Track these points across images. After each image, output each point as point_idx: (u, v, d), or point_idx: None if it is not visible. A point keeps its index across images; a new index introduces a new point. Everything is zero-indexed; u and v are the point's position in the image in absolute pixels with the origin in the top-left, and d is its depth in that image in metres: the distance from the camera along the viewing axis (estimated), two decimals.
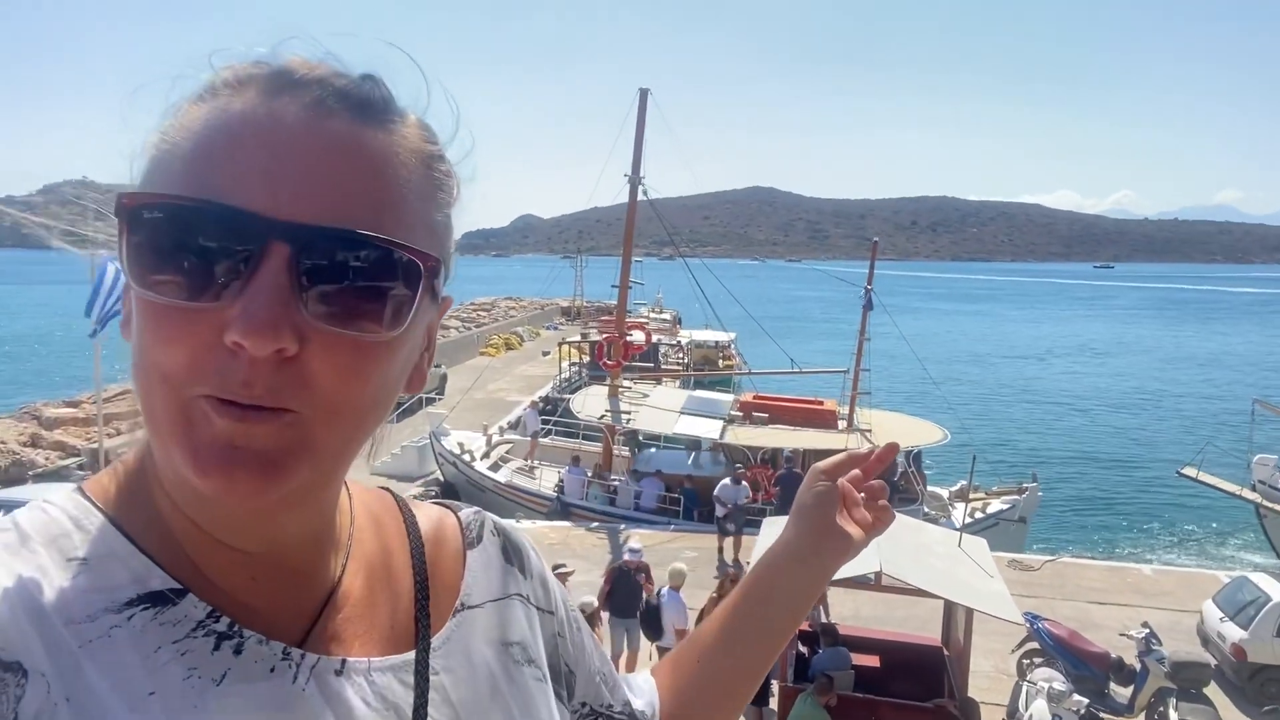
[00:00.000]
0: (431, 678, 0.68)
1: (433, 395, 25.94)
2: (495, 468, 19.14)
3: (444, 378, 28.23)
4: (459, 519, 0.83)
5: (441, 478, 18.97)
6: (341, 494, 0.72)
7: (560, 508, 17.12)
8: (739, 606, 0.95)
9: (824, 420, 18.20)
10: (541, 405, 23.97)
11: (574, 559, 13.09)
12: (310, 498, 0.62)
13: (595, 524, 16.28)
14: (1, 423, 17.82)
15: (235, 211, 0.51)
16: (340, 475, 0.63)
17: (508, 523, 0.87)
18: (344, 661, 0.64)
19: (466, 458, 18.64)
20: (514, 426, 24.69)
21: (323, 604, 0.66)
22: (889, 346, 23.91)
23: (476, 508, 0.86)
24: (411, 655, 0.68)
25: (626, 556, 10.50)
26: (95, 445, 15.75)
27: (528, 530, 15.58)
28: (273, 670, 0.60)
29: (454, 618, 0.74)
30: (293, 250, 0.52)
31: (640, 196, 19.81)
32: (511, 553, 0.84)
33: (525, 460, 19.92)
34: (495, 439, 20.80)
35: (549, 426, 21.63)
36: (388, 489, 0.83)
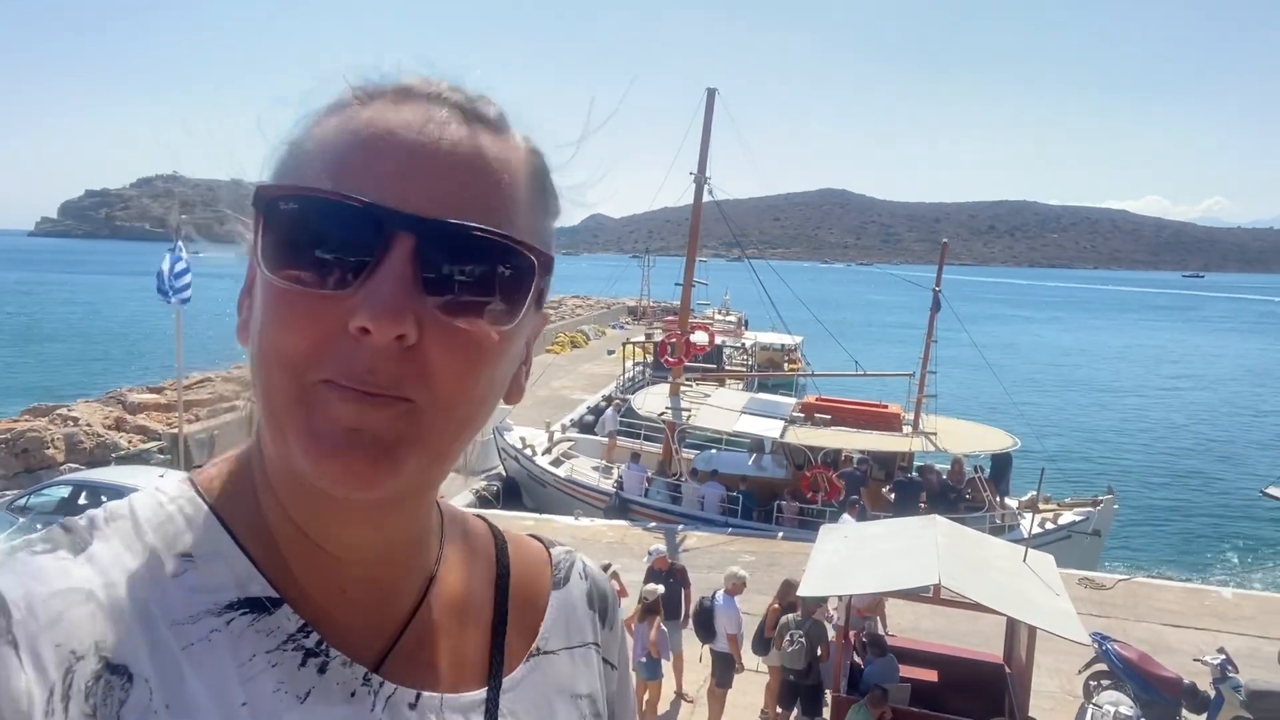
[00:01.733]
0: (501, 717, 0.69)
1: None
2: (557, 463, 19.29)
3: None
4: (550, 555, 0.83)
5: (504, 472, 19.20)
6: (434, 514, 0.73)
7: (619, 504, 17.17)
8: None
9: (888, 423, 17.87)
10: (609, 404, 24.05)
11: (630, 558, 13.11)
12: (410, 499, 0.64)
13: (653, 524, 16.27)
14: (89, 406, 18.64)
15: (365, 204, 0.54)
16: (442, 475, 0.64)
17: (596, 568, 0.87)
18: (419, 696, 0.64)
19: (529, 453, 18.82)
20: (576, 424, 24.88)
21: (403, 626, 0.67)
22: (959, 353, 23.36)
23: (569, 546, 0.86)
24: (483, 694, 0.69)
25: (646, 560, 10.52)
26: (175, 430, 16.41)
27: (586, 528, 15.68)
28: (353, 695, 0.61)
29: (528, 660, 0.74)
30: (417, 241, 0.54)
31: (707, 197, 19.74)
32: (596, 599, 0.83)
33: (603, 460, 20.03)
34: (557, 435, 20.97)
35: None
36: (484, 517, 0.84)
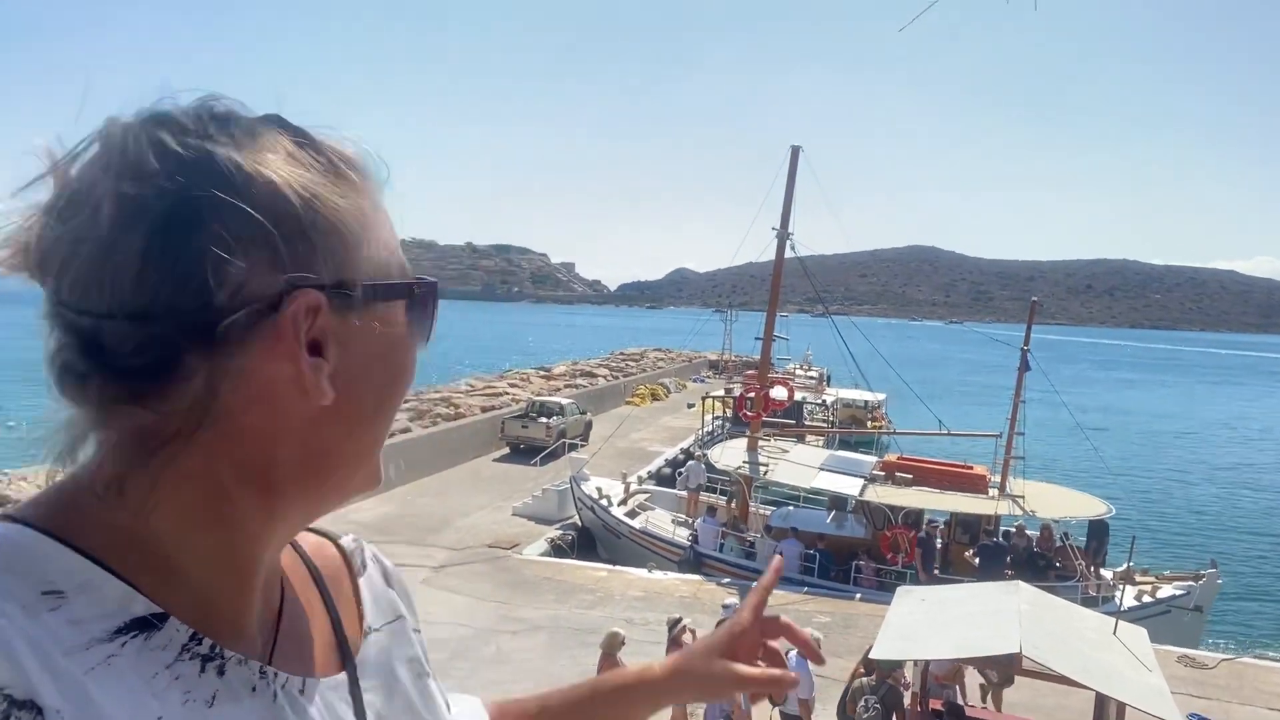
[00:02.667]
0: (364, 695, 0.74)
1: (576, 441, 26.52)
2: (632, 514, 19.29)
3: (589, 424, 28.84)
4: (340, 547, 0.87)
5: (579, 522, 19.29)
6: None
7: (693, 559, 17.02)
8: (586, 698, 1.01)
9: (973, 485, 17.32)
10: (689, 457, 23.99)
11: (703, 614, 12.96)
12: None
13: (727, 579, 16.06)
14: None
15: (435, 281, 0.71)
16: None
17: (375, 548, 0.91)
18: (304, 681, 0.68)
19: (604, 503, 18.89)
20: (653, 476, 24.86)
21: (276, 625, 0.71)
22: (1049, 415, 22.53)
23: (354, 535, 0.89)
24: (344, 676, 0.74)
25: (720, 614, 10.35)
26: None
27: (659, 581, 15.59)
28: (254, 690, 0.63)
29: (366, 639, 0.79)
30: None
31: (789, 253, 19.80)
32: (390, 578, 0.88)
33: (685, 515, 19.96)
34: (633, 486, 20.99)
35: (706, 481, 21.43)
36: None
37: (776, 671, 0.98)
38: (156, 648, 0.58)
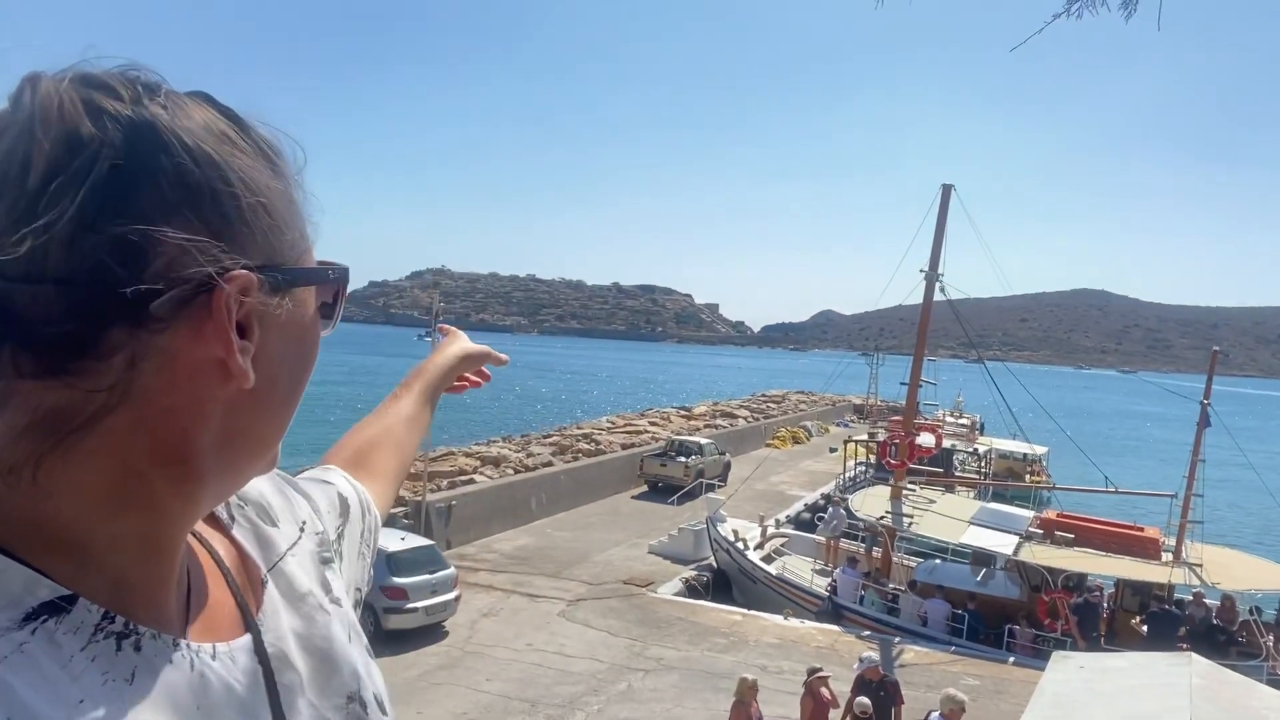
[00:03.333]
0: (269, 651, 0.73)
1: (714, 481, 26.38)
2: (768, 559, 18.92)
3: (727, 465, 28.64)
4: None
5: (715, 563, 19.10)
6: None
7: (832, 610, 16.47)
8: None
9: (1143, 548, 15.96)
10: (829, 502, 23.39)
11: (839, 666, 12.49)
12: None
13: (867, 632, 15.44)
14: None
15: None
16: None
17: (241, 490, 0.85)
18: (214, 647, 0.68)
19: (740, 545, 18.63)
20: (791, 520, 24.35)
21: (186, 596, 0.70)
22: (1233, 475, 20.54)
23: None
24: (249, 638, 0.73)
25: (855, 667, 9.92)
26: (420, 499, 17.92)
27: (795, 629, 15.18)
28: (171, 662, 0.63)
29: (265, 586, 0.79)
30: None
31: (939, 296, 19.13)
32: (262, 517, 0.85)
33: (823, 562, 19.48)
34: (770, 530, 20.62)
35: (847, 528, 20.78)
36: None
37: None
38: (68, 630, 0.57)
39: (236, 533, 0.82)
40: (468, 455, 24.70)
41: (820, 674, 10.15)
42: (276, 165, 0.64)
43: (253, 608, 0.76)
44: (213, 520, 0.81)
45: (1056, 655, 8.94)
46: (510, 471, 22.87)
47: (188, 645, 0.65)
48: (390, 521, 17.06)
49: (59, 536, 0.59)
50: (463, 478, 21.26)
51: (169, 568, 0.67)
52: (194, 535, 0.78)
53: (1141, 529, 17.01)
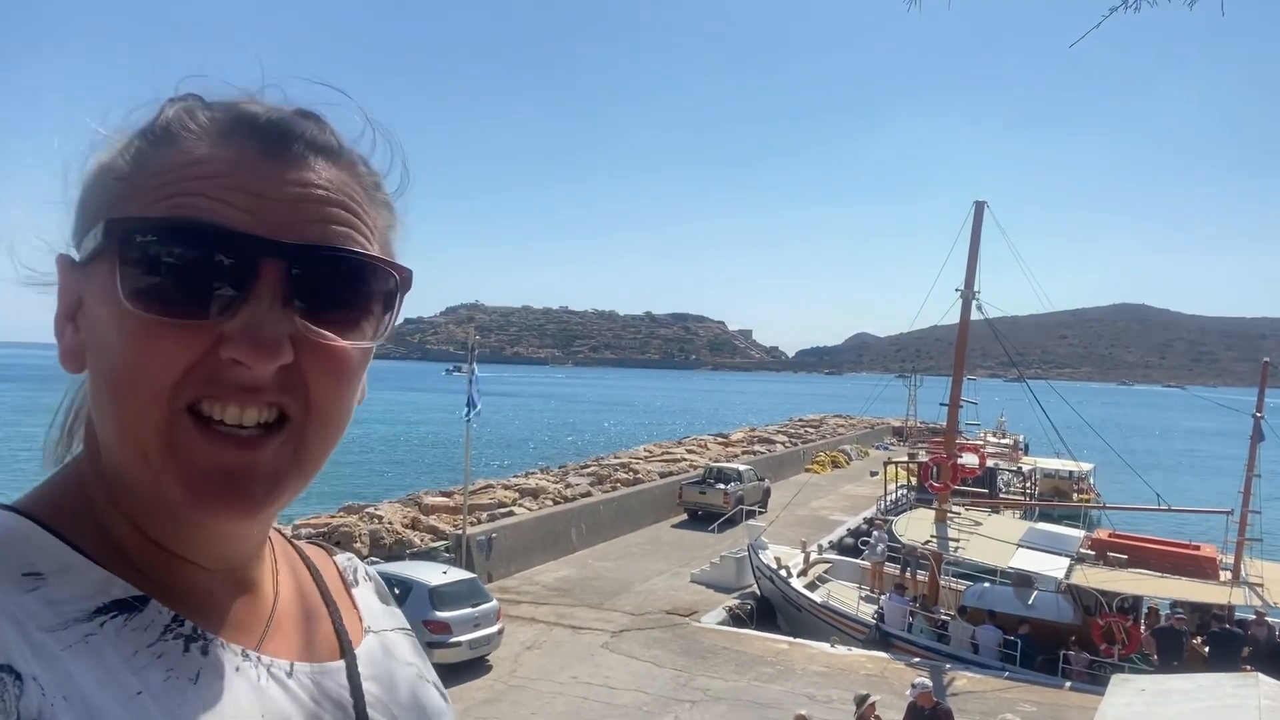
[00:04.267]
0: (363, 683, 0.75)
1: (754, 508, 26.14)
2: (812, 586, 18.65)
3: (767, 491, 28.39)
4: (335, 563, 0.89)
5: (758, 591, 18.86)
6: None
7: (879, 638, 16.16)
8: None
9: (1199, 568, 15.50)
10: (871, 526, 23.04)
11: (889, 693, 12.23)
12: (270, 515, 0.67)
13: (917, 659, 15.12)
14: (391, 506, 20.94)
15: (231, 232, 0.57)
16: (304, 489, 0.67)
17: (369, 568, 0.93)
18: (292, 665, 0.70)
19: (783, 573, 18.40)
20: (834, 545, 24.02)
21: (269, 617, 0.72)
22: None
23: (349, 554, 0.93)
24: (343, 664, 0.75)
25: (908, 693, 9.71)
26: (460, 532, 17.97)
27: (842, 656, 14.92)
28: (238, 670, 0.64)
29: (366, 635, 0.82)
30: (286, 266, 0.58)
31: (976, 314, 18.93)
32: (383, 595, 0.90)
33: (868, 587, 19.18)
34: (813, 556, 20.35)
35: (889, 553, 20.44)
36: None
37: None
38: (138, 628, 0.59)
39: (356, 591, 0.87)
40: (506, 487, 24.74)
41: (871, 701, 9.96)
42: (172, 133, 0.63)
43: (353, 644, 0.79)
44: (339, 574, 0.87)
45: (1116, 679, 8.69)
46: (549, 503, 22.85)
47: (259, 657, 0.67)
48: (432, 555, 17.15)
49: (135, 538, 0.63)
50: (502, 510, 21.28)
51: (240, 582, 0.70)
52: (311, 572, 0.83)
53: (1197, 547, 16.55)
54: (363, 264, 0.62)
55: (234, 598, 0.69)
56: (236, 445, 0.58)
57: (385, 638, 0.83)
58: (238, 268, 0.57)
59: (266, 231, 0.58)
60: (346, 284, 0.62)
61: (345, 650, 0.77)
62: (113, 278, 0.57)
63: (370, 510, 19.63)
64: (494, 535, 18.77)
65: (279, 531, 0.86)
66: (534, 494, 23.92)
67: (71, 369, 0.64)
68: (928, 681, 10.59)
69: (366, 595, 0.88)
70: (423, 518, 20.01)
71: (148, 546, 0.63)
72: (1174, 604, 15.30)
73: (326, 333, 0.60)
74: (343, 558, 0.91)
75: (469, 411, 17.68)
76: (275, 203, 0.59)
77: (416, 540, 18.33)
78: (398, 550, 17.62)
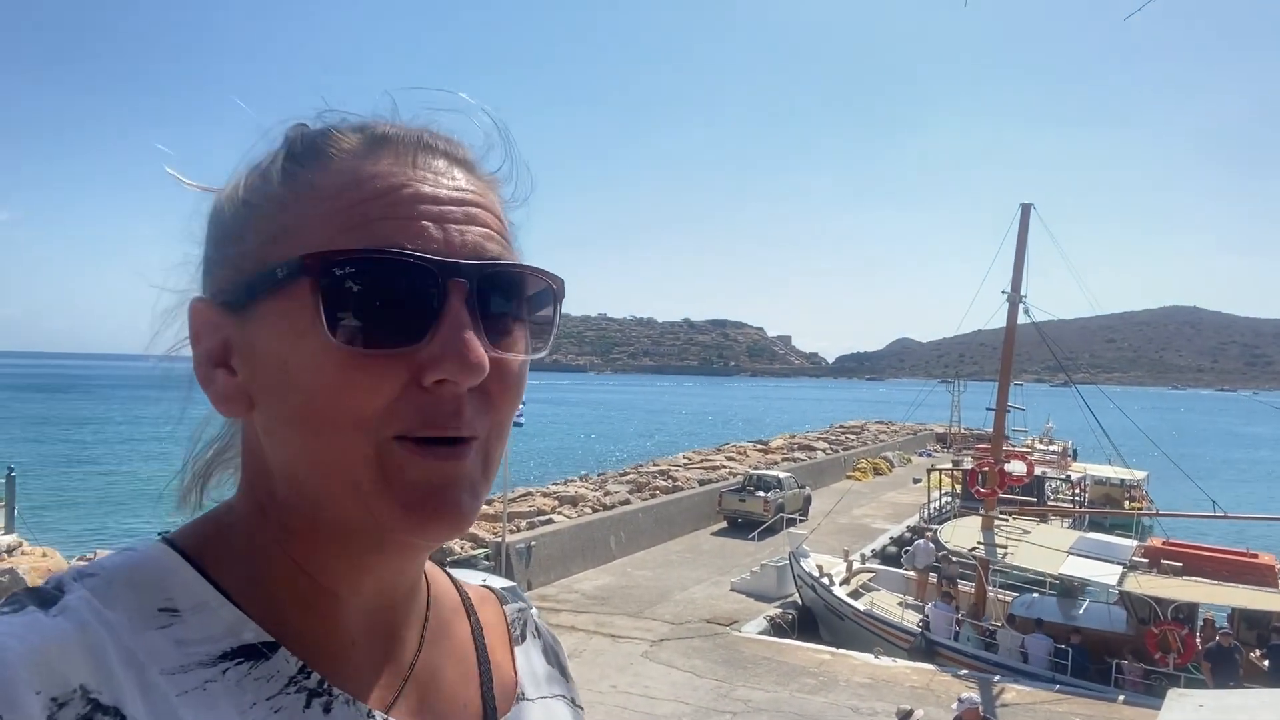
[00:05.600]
0: None
1: (795, 516, 25.88)
2: (856, 595, 18.37)
3: (808, 499, 28.09)
4: (505, 611, 0.84)
5: (800, 600, 18.64)
6: None
7: (925, 647, 15.84)
8: None
9: (1259, 576, 14.97)
10: (915, 534, 22.67)
11: (935, 706, 11.97)
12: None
13: (964, 670, 14.78)
14: None
15: (425, 258, 0.57)
16: None
17: (545, 625, 0.88)
18: None
19: (825, 581, 18.15)
20: (878, 554, 23.67)
21: (407, 673, 0.68)
22: None
23: (521, 604, 0.87)
24: None
25: (955, 707, 9.46)
26: (499, 539, 18.02)
27: (887, 668, 14.65)
28: None
29: (517, 704, 0.76)
30: (469, 286, 0.58)
31: (1023, 318, 18.56)
32: (551, 655, 0.85)
33: (913, 597, 18.85)
34: (856, 565, 20.05)
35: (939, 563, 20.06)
36: (439, 565, 0.86)
37: None
38: (261, 677, 0.57)
39: (519, 650, 0.82)
40: (545, 495, 24.80)
41: (916, 716, 9.74)
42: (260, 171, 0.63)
43: (499, 710, 0.74)
44: (506, 628, 0.83)
45: (1173, 693, 8.37)
46: (588, 510, 22.84)
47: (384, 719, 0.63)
48: (471, 563, 17.21)
49: (276, 580, 0.62)
50: (541, 518, 21.32)
51: (334, 622, 0.64)
52: (472, 625, 0.79)
53: (1255, 555, 16.00)
54: (528, 279, 0.63)
55: (374, 647, 0.66)
56: (443, 459, 0.57)
57: (535, 706, 0.78)
58: (432, 292, 0.57)
59: (451, 249, 0.58)
60: (517, 298, 0.62)
61: (489, 718, 0.72)
62: (307, 312, 0.56)
63: None
64: (533, 543, 18.79)
65: (445, 572, 0.84)
66: (573, 502, 23.94)
67: (234, 413, 0.62)
68: (976, 697, 10.32)
69: (531, 653, 0.83)
70: None
71: (298, 582, 0.62)
72: (1229, 616, 14.78)
73: (506, 352, 0.60)
74: (514, 607, 0.86)
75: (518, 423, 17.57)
76: (452, 210, 0.60)
77: (456, 548, 18.41)
78: (437, 558, 17.21)
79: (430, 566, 0.80)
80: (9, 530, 15.28)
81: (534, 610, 0.88)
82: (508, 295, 0.61)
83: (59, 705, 0.48)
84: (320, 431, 0.57)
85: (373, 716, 0.62)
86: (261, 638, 0.59)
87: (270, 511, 0.62)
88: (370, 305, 0.55)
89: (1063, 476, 33.44)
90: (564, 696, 0.83)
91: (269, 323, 0.58)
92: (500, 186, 0.68)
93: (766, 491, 25.91)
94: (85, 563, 0.64)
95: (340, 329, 0.55)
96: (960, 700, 10.13)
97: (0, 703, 0.46)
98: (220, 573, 0.60)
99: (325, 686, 0.60)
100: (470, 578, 0.67)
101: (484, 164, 0.68)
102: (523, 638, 0.83)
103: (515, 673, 0.79)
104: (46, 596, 0.54)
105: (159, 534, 0.63)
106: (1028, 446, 37.98)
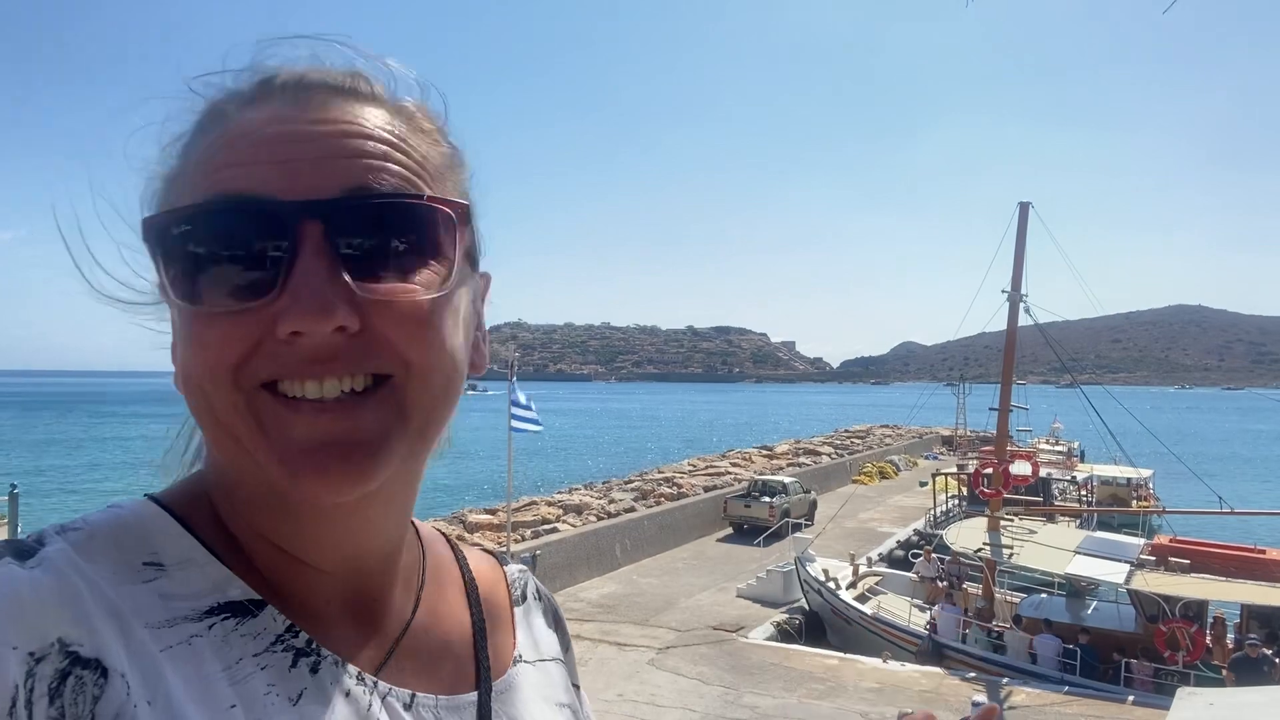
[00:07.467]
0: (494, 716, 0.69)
1: (801, 521, 25.81)
2: (862, 599, 18.29)
3: (813, 503, 28.02)
4: (505, 572, 0.83)
5: (806, 605, 18.56)
6: (410, 530, 0.73)
7: (932, 649, 15.76)
8: None
9: (1266, 571, 14.90)
10: (919, 538, 22.53)
11: (945, 710, 11.88)
12: (395, 499, 0.63)
13: (972, 674, 14.69)
14: (439, 523, 21.09)
15: (259, 200, 0.52)
16: (425, 453, 0.62)
17: (547, 590, 0.87)
18: (413, 696, 0.64)
19: (831, 586, 18.08)
20: (884, 558, 23.59)
21: (397, 638, 0.66)
22: None
23: (523, 565, 0.86)
24: (474, 697, 0.68)
25: (969, 713, 9.34)
26: (505, 549, 17.98)
27: (895, 672, 14.57)
28: (348, 694, 0.59)
29: (514, 667, 0.74)
30: (325, 226, 0.53)
31: (1025, 319, 18.55)
32: (552, 620, 0.84)
33: (923, 601, 18.77)
34: (863, 569, 19.97)
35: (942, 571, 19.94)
36: (437, 527, 0.83)
37: None
38: (248, 634, 0.56)
39: (519, 611, 0.81)
40: (550, 504, 24.76)
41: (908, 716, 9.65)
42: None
43: (494, 675, 0.72)
44: (506, 589, 0.81)
45: (1182, 692, 8.30)
46: (593, 519, 22.80)
47: (375, 683, 0.61)
48: None
49: (262, 539, 0.60)
50: (545, 527, 21.29)
51: (367, 591, 0.64)
52: (467, 586, 0.77)
53: (1264, 551, 15.93)
54: (410, 208, 0.55)
55: (360, 611, 0.64)
56: (329, 414, 0.53)
57: (533, 669, 0.77)
58: (276, 238, 0.52)
59: (302, 189, 0.53)
60: (393, 231, 0.55)
61: (482, 681, 0.70)
62: (162, 270, 0.54)
63: None
64: (538, 552, 18.74)
65: (444, 535, 0.81)
66: (577, 510, 23.90)
67: (178, 385, 0.60)
68: (985, 699, 10.22)
69: (531, 616, 0.82)
70: (467, 535, 20.07)
71: (266, 548, 0.60)
72: (1248, 621, 14.64)
73: (381, 288, 0.54)
74: (515, 568, 0.85)
75: (522, 427, 17.17)
76: (309, 148, 0.54)
77: None
78: None
79: (428, 531, 0.78)
80: None
81: (533, 576, 0.87)
82: (386, 229, 0.55)
83: (36, 660, 0.46)
84: (189, 392, 0.55)
85: (362, 679, 0.60)
86: (248, 595, 0.57)
87: (217, 477, 0.62)
88: (210, 261, 0.52)
89: (1068, 477, 33.35)
90: (561, 661, 0.81)
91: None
92: (415, 117, 0.62)
93: (772, 497, 25.84)
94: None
95: (181, 291, 0.53)
96: (974, 705, 10.01)
97: None
98: (203, 531, 0.59)
99: (313, 646, 0.58)
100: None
101: (396, 97, 0.62)
102: (523, 598, 0.82)
103: (514, 636, 0.78)
104: (23, 549, 0.51)
105: (145, 494, 0.62)
106: (1033, 448, 37.90)
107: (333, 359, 0.53)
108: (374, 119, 0.58)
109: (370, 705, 0.60)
